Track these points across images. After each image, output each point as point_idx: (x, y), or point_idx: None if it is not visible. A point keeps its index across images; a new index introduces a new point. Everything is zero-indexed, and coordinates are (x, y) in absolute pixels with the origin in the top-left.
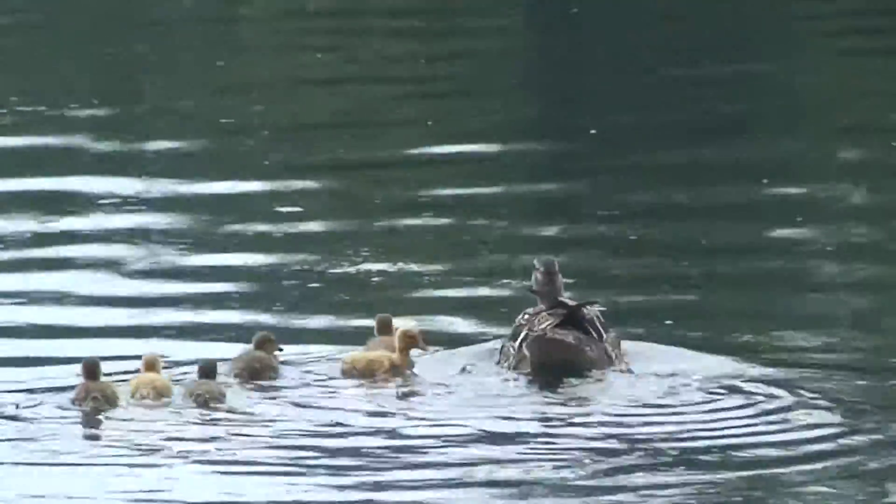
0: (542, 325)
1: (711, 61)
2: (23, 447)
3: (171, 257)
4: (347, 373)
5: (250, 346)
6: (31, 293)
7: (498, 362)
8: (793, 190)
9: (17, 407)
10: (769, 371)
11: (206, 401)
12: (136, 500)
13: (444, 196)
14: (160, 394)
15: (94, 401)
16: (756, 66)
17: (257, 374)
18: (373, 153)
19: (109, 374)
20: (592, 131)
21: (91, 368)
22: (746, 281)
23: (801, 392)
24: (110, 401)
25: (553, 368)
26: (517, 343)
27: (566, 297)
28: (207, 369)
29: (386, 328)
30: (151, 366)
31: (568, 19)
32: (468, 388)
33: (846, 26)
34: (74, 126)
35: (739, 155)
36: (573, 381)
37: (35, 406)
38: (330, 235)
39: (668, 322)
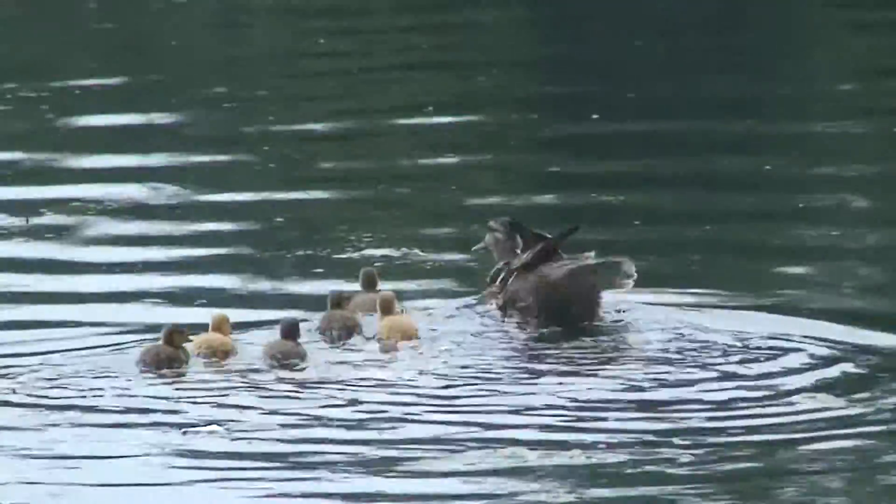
0: (524, 257)
1: (713, 31)
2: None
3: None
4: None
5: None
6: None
7: (478, 302)
8: (799, 128)
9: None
10: (777, 329)
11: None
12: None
13: (434, 162)
14: (214, 353)
15: (144, 364)
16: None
17: (351, 331)
18: (370, 122)
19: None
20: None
21: (168, 334)
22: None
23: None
24: (163, 364)
25: (552, 315)
26: (499, 282)
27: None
28: (289, 329)
29: (371, 284)
30: (218, 326)
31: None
32: (484, 348)
33: None
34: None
35: (747, 92)
36: (571, 336)
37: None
38: (331, 197)
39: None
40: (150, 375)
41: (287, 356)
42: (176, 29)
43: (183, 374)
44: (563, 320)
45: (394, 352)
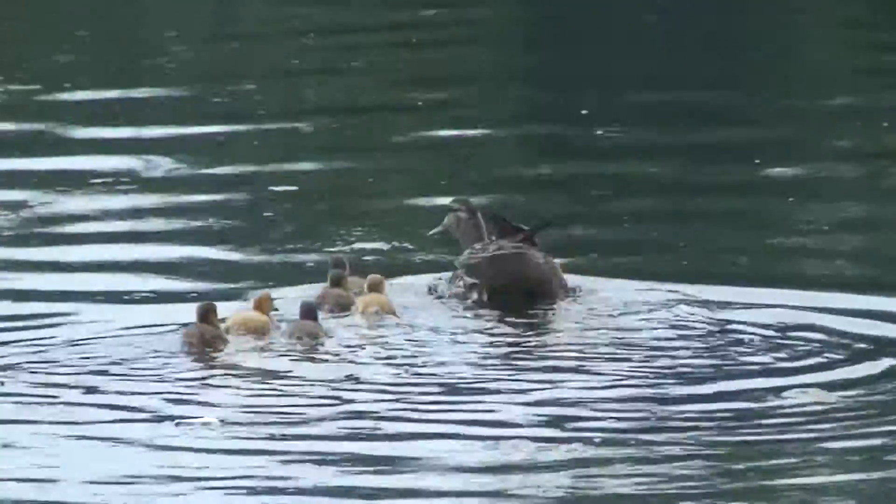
0: (504, 243)
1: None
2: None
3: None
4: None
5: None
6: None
7: (446, 288)
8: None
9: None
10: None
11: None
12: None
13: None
14: (250, 332)
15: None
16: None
17: (345, 309)
18: (359, 98)
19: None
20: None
21: (203, 312)
22: (733, 218)
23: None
24: (209, 344)
25: (507, 292)
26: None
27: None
28: (309, 311)
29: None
30: (259, 305)
31: None
32: (460, 331)
33: None
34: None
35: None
36: (536, 318)
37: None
38: (321, 172)
39: (638, 256)
40: (151, 363)
41: (312, 335)
42: (167, 8)
43: (220, 355)
44: (519, 296)
45: (377, 326)
